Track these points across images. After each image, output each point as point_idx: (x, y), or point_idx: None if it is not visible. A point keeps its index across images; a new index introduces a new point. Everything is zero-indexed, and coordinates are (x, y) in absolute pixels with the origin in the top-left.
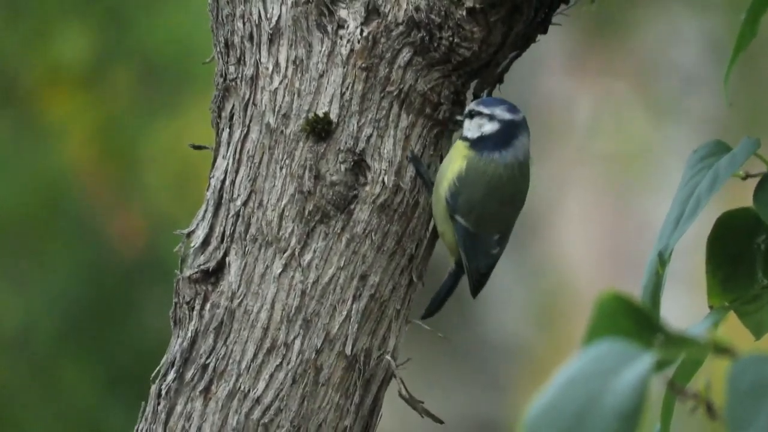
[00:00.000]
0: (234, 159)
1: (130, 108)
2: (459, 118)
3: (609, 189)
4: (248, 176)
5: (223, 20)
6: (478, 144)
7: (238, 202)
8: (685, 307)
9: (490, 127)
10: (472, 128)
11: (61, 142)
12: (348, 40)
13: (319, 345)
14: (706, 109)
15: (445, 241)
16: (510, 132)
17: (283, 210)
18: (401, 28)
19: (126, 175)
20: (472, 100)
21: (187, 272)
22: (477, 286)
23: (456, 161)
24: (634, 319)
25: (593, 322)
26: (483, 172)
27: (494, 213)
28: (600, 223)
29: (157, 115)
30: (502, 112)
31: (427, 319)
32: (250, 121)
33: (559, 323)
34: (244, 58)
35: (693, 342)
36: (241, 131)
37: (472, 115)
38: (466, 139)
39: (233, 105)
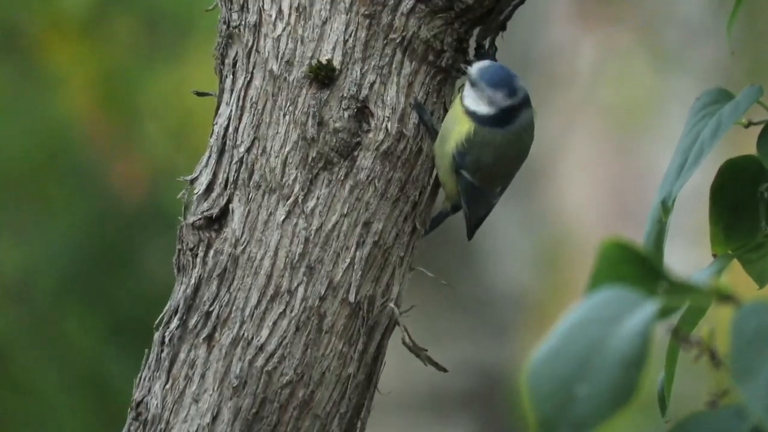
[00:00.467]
0: (237, 106)
1: (132, 56)
2: (463, 67)
3: (612, 138)
4: (251, 123)
5: None
6: (480, 119)
7: (242, 149)
8: (687, 258)
9: (488, 110)
10: (472, 100)
11: (61, 90)
12: None
13: (322, 292)
14: (709, 59)
15: (446, 190)
16: (510, 113)
17: (287, 157)
18: None
19: (127, 123)
20: (476, 49)
21: (191, 219)
22: (473, 230)
23: (462, 123)
24: (637, 266)
25: (596, 269)
26: (490, 140)
27: (500, 172)
28: (603, 172)
29: (158, 63)
30: (502, 99)
31: (431, 268)
32: (254, 68)
33: (563, 271)
34: (248, 5)
35: (696, 289)
36: (245, 78)
37: (474, 83)
38: (467, 110)
39: (236, 52)
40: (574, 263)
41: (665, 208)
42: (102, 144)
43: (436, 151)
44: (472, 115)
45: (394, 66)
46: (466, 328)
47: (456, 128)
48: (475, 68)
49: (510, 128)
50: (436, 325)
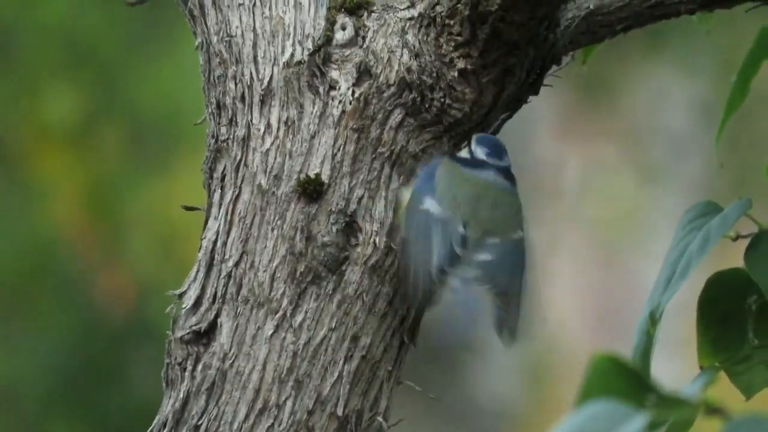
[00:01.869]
0: (225, 220)
1: (119, 168)
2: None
3: (598, 252)
4: (240, 237)
5: (215, 81)
6: (455, 159)
7: (230, 263)
8: (674, 369)
9: (463, 154)
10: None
11: (49, 201)
12: (340, 101)
13: (310, 406)
14: (695, 172)
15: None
16: (477, 164)
17: (275, 271)
18: (393, 89)
19: (113, 235)
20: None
21: (179, 333)
22: (423, 300)
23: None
24: (626, 380)
25: (586, 383)
26: (460, 171)
27: (469, 199)
28: (589, 285)
29: (145, 175)
30: (480, 152)
31: (417, 380)
32: (242, 182)
33: (549, 385)
34: (236, 119)
35: (685, 402)
36: (233, 192)
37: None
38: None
39: (225, 166)
40: (559, 376)
41: (653, 319)
42: (88, 256)
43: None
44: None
45: (382, 180)
46: None
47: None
48: (475, 136)
49: (478, 172)
50: None
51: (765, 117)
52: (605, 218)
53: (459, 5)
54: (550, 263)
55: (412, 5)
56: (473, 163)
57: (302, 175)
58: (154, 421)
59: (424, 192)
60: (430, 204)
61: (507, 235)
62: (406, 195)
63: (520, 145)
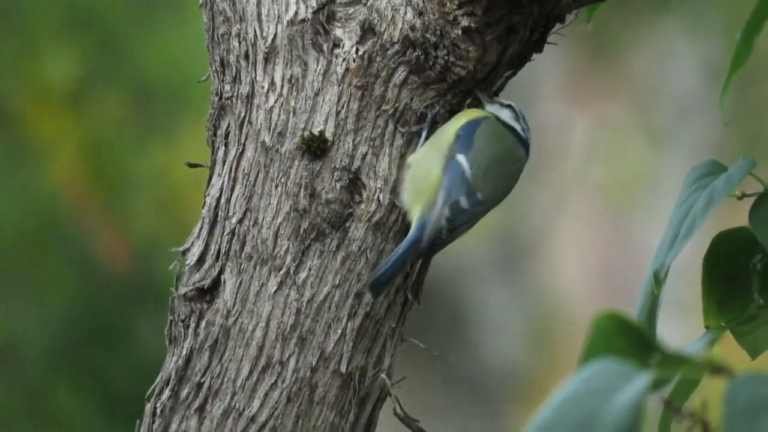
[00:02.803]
0: (229, 177)
1: (120, 128)
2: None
3: (604, 214)
4: (244, 194)
5: (218, 39)
6: (504, 124)
7: (234, 220)
8: (679, 330)
9: (521, 132)
10: (504, 114)
11: (49, 161)
12: (344, 59)
13: (314, 363)
14: (702, 133)
15: (421, 180)
16: (526, 147)
17: (279, 228)
18: (397, 47)
19: (115, 195)
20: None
21: (183, 290)
22: (434, 241)
23: (481, 113)
24: (630, 339)
25: (590, 342)
26: (504, 135)
27: (494, 169)
28: (595, 248)
29: (147, 137)
30: (530, 137)
31: (422, 340)
32: (246, 140)
33: (554, 347)
34: (240, 76)
35: (689, 361)
36: (237, 149)
37: (508, 106)
38: (491, 113)
39: (229, 123)
40: (565, 338)
41: (657, 280)
42: (89, 216)
43: (428, 148)
44: (497, 118)
45: (386, 137)
46: (457, 400)
47: (473, 113)
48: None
49: (520, 148)
50: (428, 397)
51: None
52: (611, 180)
53: None
54: (556, 225)
55: None
56: (525, 144)
57: (306, 133)
58: (157, 379)
59: (462, 146)
60: (461, 159)
61: (490, 204)
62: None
63: (524, 105)
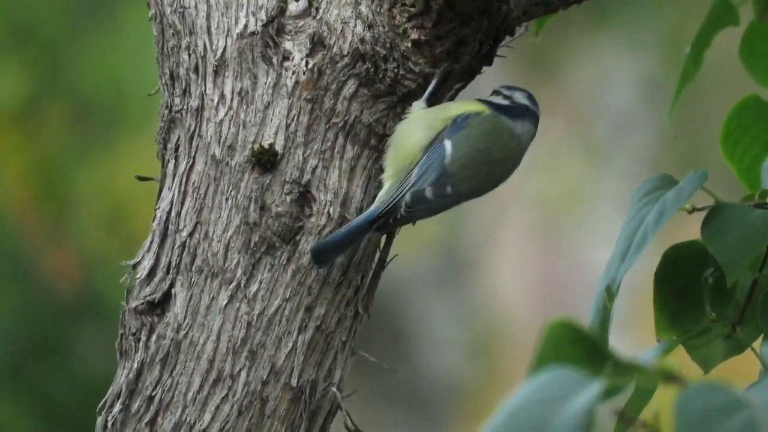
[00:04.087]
0: (180, 190)
1: (65, 146)
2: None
3: (543, 228)
4: (194, 207)
5: (168, 52)
6: (494, 106)
7: (184, 234)
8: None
9: (503, 101)
10: (492, 98)
11: None
12: (293, 72)
13: (264, 377)
14: (639, 148)
15: (402, 145)
16: (519, 112)
17: (229, 241)
18: (346, 59)
19: (61, 212)
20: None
21: (133, 303)
22: (385, 222)
23: (477, 106)
24: (582, 347)
25: (541, 349)
26: (500, 129)
27: (474, 168)
28: (534, 261)
29: (91, 152)
30: (520, 97)
31: (367, 352)
32: (196, 153)
33: (494, 359)
34: (190, 89)
35: (641, 369)
36: (187, 162)
37: (497, 92)
38: (487, 102)
39: (179, 136)
40: (506, 352)
41: (610, 294)
42: (36, 233)
43: (425, 117)
44: (487, 103)
45: (336, 150)
46: (402, 414)
47: (470, 106)
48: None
49: (513, 124)
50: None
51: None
52: (550, 194)
53: None
54: (495, 238)
55: None
56: (514, 110)
57: (256, 146)
58: (108, 392)
59: (452, 132)
60: (447, 144)
61: (459, 198)
62: (416, 108)
63: None
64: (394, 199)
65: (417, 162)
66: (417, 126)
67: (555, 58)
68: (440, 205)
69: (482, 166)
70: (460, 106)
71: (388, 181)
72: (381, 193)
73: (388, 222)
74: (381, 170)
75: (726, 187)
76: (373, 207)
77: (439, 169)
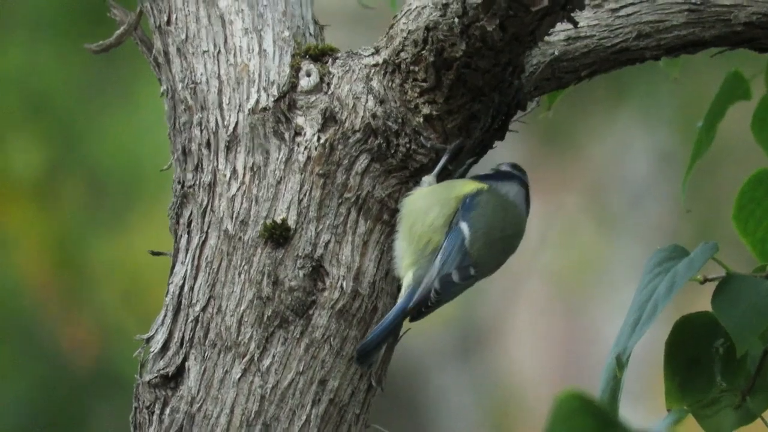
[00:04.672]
0: (192, 265)
1: (81, 219)
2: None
3: (558, 301)
4: (207, 282)
5: (180, 128)
6: (481, 179)
7: (197, 308)
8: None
9: (490, 171)
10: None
11: (12, 253)
12: (305, 147)
13: None
14: (655, 221)
15: (417, 224)
16: (503, 176)
17: (242, 315)
18: (358, 134)
19: (77, 285)
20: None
21: (147, 377)
22: (424, 304)
23: (475, 183)
24: (593, 418)
25: (552, 421)
26: (500, 201)
27: (493, 247)
28: (549, 334)
29: (106, 226)
30: (504, 166)
31: (382, 425)
32: (208, 228)
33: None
34: (202, 164)
35: None
36: (200, 237)
37: (496, 169)
38: (473, 178)
39: (191, 211)
40: (523, 424)
41: (620, 363)
42: (52, 306)
43: (436, 192)
44: (478, 179)
45: (348, 225)
46: None
47: (471, 184)
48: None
49: (507, 188)
50: None
51: (725, 165)
52: (565, 268)
53: (424, 52)
54: (511, 311)
55: (377, 52)
56: (497, 174)
57: (269, 221)
58: None
59: (464, 213)
60: (464, 226)
61: (480, 277)
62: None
63: None
64: (425, 288)
65: (438, 247)
66: (430, 203)
67: (572, 131)
68: (465, 287)
69: (497, 243)
70: (466, 183)
71: (410, 269)
72: (407, 282)
73: (421, 311)
74: (393, 248)
75: (739, 259)
76: (403, 298)
77: (460, 252)
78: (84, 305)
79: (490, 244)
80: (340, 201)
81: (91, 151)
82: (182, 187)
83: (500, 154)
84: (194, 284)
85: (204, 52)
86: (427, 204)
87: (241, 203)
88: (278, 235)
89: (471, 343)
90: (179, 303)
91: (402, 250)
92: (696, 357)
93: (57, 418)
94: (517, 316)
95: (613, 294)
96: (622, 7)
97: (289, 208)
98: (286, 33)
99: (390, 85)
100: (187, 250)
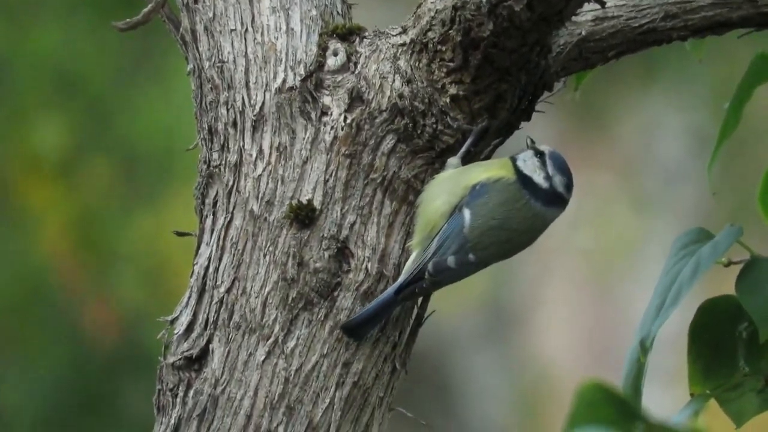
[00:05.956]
0: (217, 246)
1: (108, 199)
2: (530, 140)
3: (590, 281)
4: (232, 263)
5: (206, 107)
6: (525, 181)
7: (222, 289)
8: (665, 398)
9: (540, 181)
10: (529, 165)
11: (39, 232)
12: (332, 127)
13: None
14: (687, 201)
15: (425, 210)
16: (552, 198)
17: (267, 297)
18: (385, 115)
19: (103, 265)
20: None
21: (171, 359)
22: (408, 290)
23: (505, 171)
24: (614, 407)
25: (574, 410)
26: (517, 198)
27: (495, 236)
28: (580, 315)
29: (135, 206)
30: (560, 184)
31: (408, 408)
32: (234, 208)
33: (540, 414)
34: (228, 144)
35: (674, 430)
36: (225, 218)
37: (539, 154)
38: (516, 167)
39: (217, 192)
40: (552, 406)
41: (644, 348)
42: (77, 286)
43: (449, 180)
44: (520, 173)
45: (374, 206)
46: None
47: (494, 170)
48: (549, 147)
49: (537, 206)
50: None
51: (758, 146)
52: (598, 247)
53: (451, 31)
54: (542, 292)
55: (404, 31)
56: (547, 196)
57: (294, 201)
58: None
59: (471, 199)
60: (466, 213)
61: (482, 264)
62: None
63: None
64: (418, 268)
65: (438, 231)
66: (440, 191)
67: (604, 111)
68: (464, 272)
69: (501, 234)
70: (485, 169)
71: (414, 249)
72: (408, 263)
73: (414, 291)
74: (411, 234)
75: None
76: (400, 278)
77: (459, 238)
78: (109, 286)
79: (492, 234)
80: (366, 182)
81: (123, 130)
82: (208, 167)
83: (531, 133)
84: (219, 265)
85: (231, 30)
86: (438, 189)
87: (267, 183)
88: (304, 216)
89: (501, 325)
90: (204, 284)
91: (414, 231)
92: (720, 341)
93: (82, 398)
94: (549, 297)
95: (645, 272)
96: None
97: (315, 188)
98: (314, 12)
99: (417, 64)
100: (212, 231)
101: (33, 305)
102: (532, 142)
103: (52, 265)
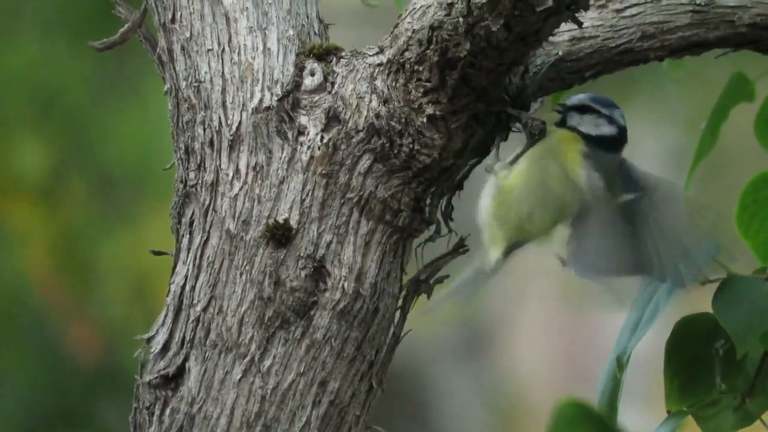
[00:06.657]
0: (194, 265)
1: (88, 217)
2: (558, 109)
3: (564, 299)
4: (208, 282)
5: (183, 126)
6: (596, 142)
7: (198, 308)
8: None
9: (608, 130)
10: (586, 124)
11: (19, 251)
12: (308, 147)
13: None
14: None
15: (548, 197)
16: (621, 141)
17: (243, 316)
18: (361, 134)
19: (84, 283)
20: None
21: (147, 377)
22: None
23: (571, 146)
24: (591, 425)
25: (552, 427)
26: (613, 160)
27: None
28: (557, 334)
29: (114, 224)
30: (619, 117)
31: (385, 426)
32: (210, 227)
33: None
34: (205, 164)
35: None
36: (201, 237)
37: (583, 109)
38: (579, 132)
39: (193, 211)
40: (527, 424)
41: (620, 364)
42: (59, 304)
43: (542, 180)
44: (587, 138)
45: (351, 225)
46: None
47: (570, 153)
48: (581, 96)
49: (615, 159)
50: None
51: (734, 165)
52: None
53: (428, 51)
54: (518, 310)
55: (381, 51)
56: (622, 136)
57: (271, 221)
58: None
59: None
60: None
61: None
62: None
63: None
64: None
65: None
66: (552, 190)
67: None
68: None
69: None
70: (559, 152)
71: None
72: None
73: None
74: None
75: (742, 260)
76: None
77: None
78: (90, 304)
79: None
80: (342, 201)
81: (100, 149)
82: (185, 186)
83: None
84: (195, 284)
85: (208, 50)
86: (530, 189)
87: (244, 203)
88: (280, 235)
89: (478, 343)
90: (180, 303)
91: (490, 224)
92: (696, 358)
93: (63, 416)
94: (525, 315)
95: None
96: (626, 8)
97: (291, 208)
98: (291, 32)
99: (394, 84)
100: (188, 250)
101: (14, 323)
102: (562, 105)
103: (34, 283)
